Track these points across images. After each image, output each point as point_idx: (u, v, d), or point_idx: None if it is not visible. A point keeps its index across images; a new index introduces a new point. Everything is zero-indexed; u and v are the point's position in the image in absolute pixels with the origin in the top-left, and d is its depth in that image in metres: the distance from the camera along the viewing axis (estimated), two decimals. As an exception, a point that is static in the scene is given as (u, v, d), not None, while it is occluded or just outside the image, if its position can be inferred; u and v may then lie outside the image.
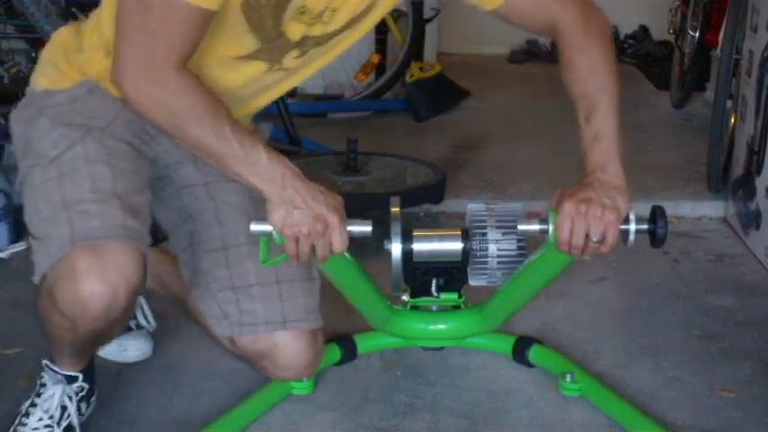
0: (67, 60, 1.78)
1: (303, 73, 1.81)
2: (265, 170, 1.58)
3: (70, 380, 1.78)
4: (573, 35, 1.76)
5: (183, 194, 1.88)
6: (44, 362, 1.80)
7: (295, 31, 1.70)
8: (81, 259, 1.55)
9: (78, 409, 1.79)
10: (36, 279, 1.63)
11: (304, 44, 1.73)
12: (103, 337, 1.73)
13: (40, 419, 1.76)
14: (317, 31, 1.72)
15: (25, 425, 1.76)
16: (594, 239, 1.60)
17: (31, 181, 1.69)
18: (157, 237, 1.94)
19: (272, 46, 1.70)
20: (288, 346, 1.84)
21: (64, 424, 1.77)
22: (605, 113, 1.69)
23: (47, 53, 1.82)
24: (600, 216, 1.58)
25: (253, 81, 1.76)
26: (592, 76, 1.72)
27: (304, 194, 1.58)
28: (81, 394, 1.79)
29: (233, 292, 1.84)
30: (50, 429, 1.76)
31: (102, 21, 1.74)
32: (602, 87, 1.72)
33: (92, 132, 1.69)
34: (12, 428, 1.77)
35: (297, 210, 1.57)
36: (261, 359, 1.87)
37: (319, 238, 1.58)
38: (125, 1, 1.55)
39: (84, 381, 1.80)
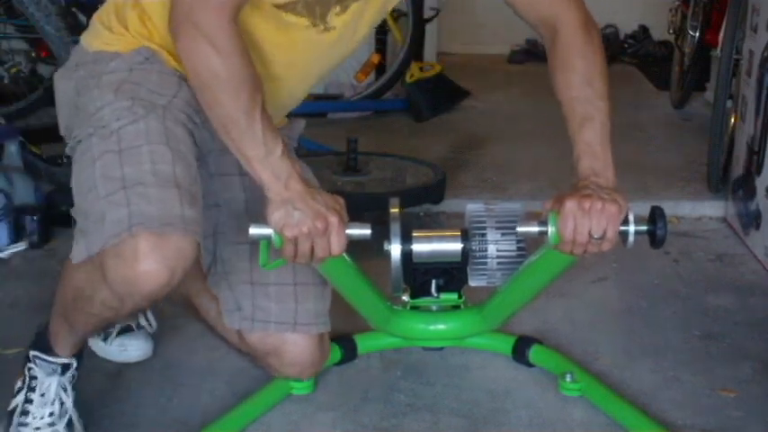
0: (122, 24, 1.74)
1: (349, 39, 1.78)
2: (275, 164, 1.57)
3: (65, 369, 1.77)
4: (574, 37, 1.75)
5: (216, 181, 1.87)
6: (32, 353, 1.78)
7: None
8: (145, 240, 1.54)
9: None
10: (80, 257, 1.60)
11: (344, 6, 1.72)
12: (132, 316, 1.73)
13: (42, 418, 1.75)
14: None
15: (27, 425, 1.75)
16: (596, 236, 1.59)
17: (86, 149, 1.65)
18: None
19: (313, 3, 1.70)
20: (296, 344, 1.86)
21: (65, 419, 1.76)
22: (603, 121, 1.69)
23: (99, 16, 1.79)
24: (601, 209, 1.58)
25: (300, 42, 1.73)
26: (591, 82, 1.72)
27: (304, 195, 1.57)
28: (72, 383, 1.79)
29: (251, 287, 1.85)
30: (53, 427, 1.76)
31: None
32: (601, 95, 1.72)
33: (156, 110, 1.66)
34: (11, 429, 1.76)
35: (297, 210, 1.56)
36: (267, 356, 1.88)
37: (319, 237, 1.57)
38: None
39: (76, 369, 1.80)
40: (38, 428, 1.75)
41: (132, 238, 1.53)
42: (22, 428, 1.75)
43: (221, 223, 1.88)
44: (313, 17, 1.70)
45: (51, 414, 1.75)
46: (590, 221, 1.59)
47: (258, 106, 1.56)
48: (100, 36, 1.76)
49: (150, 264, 1.53)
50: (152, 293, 1.58)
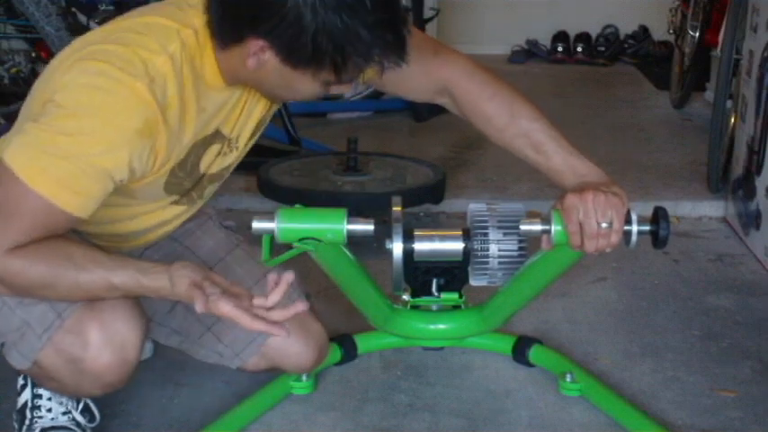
0: None
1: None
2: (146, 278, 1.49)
3: None
4: (469, 86, 1.78)
5: None
6: None
7: (212, 168, 1.71)
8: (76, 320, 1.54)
9: None
10: (22, 365, 1.62)
11: (219, 176, 1.75)
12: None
13: (53, 410, 1.74)
14: (229, 160, 1.73)
15: (42, 417, 1.74)
16: (605, 224, 1.58)
17: None
18: None
19: (190, 190, 1.71)
20: (292, 345, 1.81)
21: (80, 405, 1.76)
22: (553, 137, 1.71)
23: None
24: (604, 199, 1.58)
25: (173, 215, 1.75)
26: (513, 114, 1.74)
27: (180, 280, 1.48)
28: None
29: (210, 332, 1.83)
30: (69, 415, 1.75)
31: None
32: (530, 117, 1.74)
33: None
34: (26, 424, 1.75)
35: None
36: (272, 368, 1.87)
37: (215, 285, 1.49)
38: None
39: None
40: (53, 419, 1.74)
41: (63, 321, 1.54)
42: (37, 421, 1.75)
43: (149, 309, 1.82)
44: (190, 203, 1.73)
45: (61, 403, 1.75)
46: (594, 211, 1.58)
47: (86, 264, 1.47)
48: None
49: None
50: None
